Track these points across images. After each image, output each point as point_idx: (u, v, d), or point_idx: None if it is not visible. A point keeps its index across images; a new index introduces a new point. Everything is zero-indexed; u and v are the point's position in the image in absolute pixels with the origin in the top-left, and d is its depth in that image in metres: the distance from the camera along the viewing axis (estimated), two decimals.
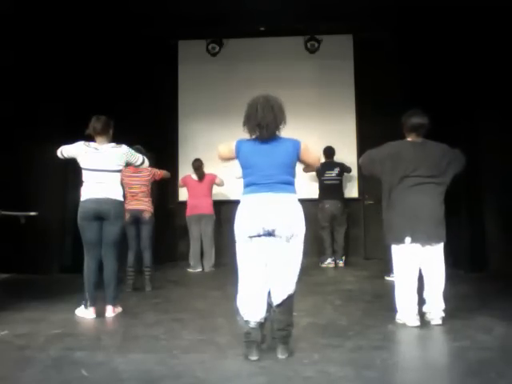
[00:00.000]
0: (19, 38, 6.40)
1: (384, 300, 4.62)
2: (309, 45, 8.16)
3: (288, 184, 3.22)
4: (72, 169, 4.77)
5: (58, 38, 6.77)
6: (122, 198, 4.56)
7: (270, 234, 3.13)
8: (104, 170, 4.41)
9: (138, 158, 4.65)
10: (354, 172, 7.95)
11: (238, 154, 3.27)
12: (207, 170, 7.43)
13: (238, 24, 7.68)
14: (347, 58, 8.30)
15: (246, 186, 3.24)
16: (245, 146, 3.26)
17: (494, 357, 3.15)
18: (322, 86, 8.28)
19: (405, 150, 3.95)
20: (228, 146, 3.33)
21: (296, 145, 3.27)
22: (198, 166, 7.45)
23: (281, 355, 3.15)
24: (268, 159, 3.19)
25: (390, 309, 4.07)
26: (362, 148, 8.06)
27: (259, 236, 3.14)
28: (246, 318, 3.15)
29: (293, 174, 3.29)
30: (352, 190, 8.22)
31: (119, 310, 4.54)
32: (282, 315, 3.15)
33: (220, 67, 8.37)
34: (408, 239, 3.85)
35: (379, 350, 3.30)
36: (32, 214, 5.81)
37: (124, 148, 4.54)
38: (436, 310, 3.91)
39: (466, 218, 6.63)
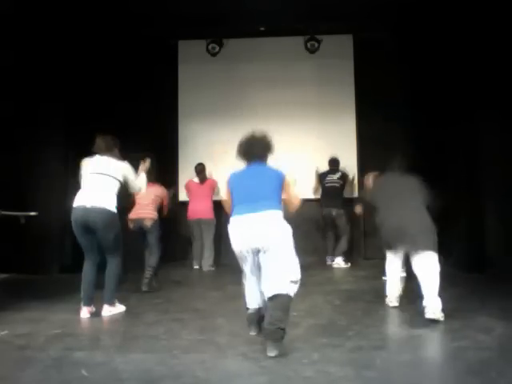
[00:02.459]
0: (19, 38, 6.40)
1: (384, 300, 4.63)
2: (309, 45, 8.16)
3: (271, 200, 3.46)
4: (72, 170, 4.77)
5: (58, 39, 6.77)
6: (114, 209, 4.41)
7: (259, 250, 3.42)
8: (102, 173, 4.42)
9: (135, 184, 4.65)
10: (354, 172, 7.98)
11: (231, 185, 3.66)
12: (207, 169, 7.53)
13: (238, 24, 7.69)
14: (347, 57, 8.29)
15: (234, 206, 3.58)
16: (235, 176, 3.68)
17: (494, 356, 3.15)
18: (322, 86, 8.27)
19: (387, 180, 4.79)
20: (225, 187, 3.75)
21: (281, 174, 3.58)
22: (200, 169, 7.60)
23: (269, 353, 3.16)
24: (254, 181, 3.55)
25: (390, 309, 4.06)
26: (361, 148, 8.09)
27: (251, 252, 3.47)
28: (247, 305, 3.59)
29: (277, 198, 3.53)
30: (353, 191, 8.22)
31: (118, 309, 4.54)
32: (272, 310, 3.26)
33: (220, 67, 8.37)
34: (396, 246, 4.46)
35: (379, 350, 3.31)
36: (32, 213, 5.81)
37: (126, 164, 4.58)
38: (432, 305, 3.98)
39: (465, 218, 6.62)
